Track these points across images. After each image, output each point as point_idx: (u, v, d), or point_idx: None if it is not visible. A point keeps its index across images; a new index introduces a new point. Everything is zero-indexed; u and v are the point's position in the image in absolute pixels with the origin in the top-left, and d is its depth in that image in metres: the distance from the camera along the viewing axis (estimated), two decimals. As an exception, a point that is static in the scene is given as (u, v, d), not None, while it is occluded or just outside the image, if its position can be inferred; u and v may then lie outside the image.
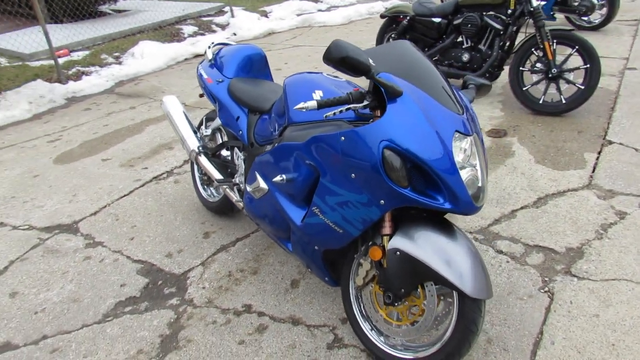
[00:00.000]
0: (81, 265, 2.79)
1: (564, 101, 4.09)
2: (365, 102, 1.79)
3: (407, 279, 1.83)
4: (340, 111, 1.79)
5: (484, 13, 4.39)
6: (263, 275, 2.60)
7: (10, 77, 5.94)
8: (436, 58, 4.76)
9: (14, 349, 2.26)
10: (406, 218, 1.87)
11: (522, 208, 2.98)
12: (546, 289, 2.35)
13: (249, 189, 2.32)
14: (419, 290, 1.88)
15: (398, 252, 1.80)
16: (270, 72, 2.94)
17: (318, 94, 2.13)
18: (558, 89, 4.12)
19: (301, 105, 1.76)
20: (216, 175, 2.71)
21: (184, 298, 2.49)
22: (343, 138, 1.80)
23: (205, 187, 3.16)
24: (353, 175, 1.79)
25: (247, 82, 2.70)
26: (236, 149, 2.71)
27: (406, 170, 1.69)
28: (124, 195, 3.49)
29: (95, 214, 3.29)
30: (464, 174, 1.69)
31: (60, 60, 6.57)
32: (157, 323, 2.34)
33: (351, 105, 1.80)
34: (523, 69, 4.21)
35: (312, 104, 1.77)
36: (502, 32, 4.32)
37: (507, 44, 4.39)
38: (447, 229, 1.83)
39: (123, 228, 3.11)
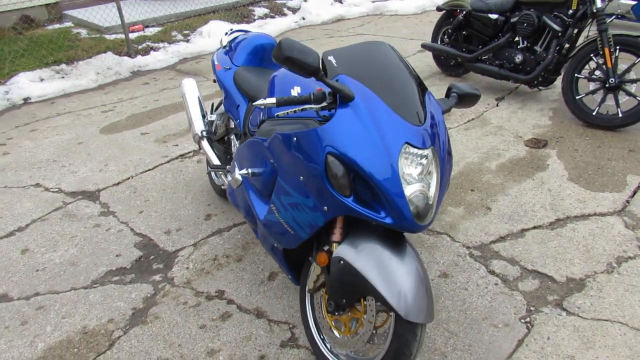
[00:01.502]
0: (89, 231, 2.98)
1: (620, 115, 3.70)
2: (324, 104, 1.73)
3: (348, 290, 1.76)
4: (294, 111, 1.75)
5: (544, 12, 4.05)
6: (245, 264, 2.63)
7: (86, 48, 6.39)
8: (486, 57, 4.47)
9: (7, 300, 2.47)
10: (357, 227, 1.80)
11: (534, 228, 2.76)
12: (528, 319, 2.17)
13: (228, 177, 2.34)
14: (361, 303, 1.81)
15: (341, 262, 1.74)
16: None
17: (296, 90, 2.09)
18: (616, 100, 3.73)
19: (260, 102, 1.74)
20: (213, 160, 2.76)
21: (167, 276, 2.58)
22: (295, 139, 1.76)
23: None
24: (301, 177, 1.75)
25: (253, 71, 2.70)
26: (234, 137, 2.74)
27: (349, 179, 1.62)
28: (148, 170, 3.66)
29: (117, 185, 3.48)
30: (410, 189, 1.59)
31: (134, 35, 6.97)
32: (135, 296, 2.45)
33: (308, 106, 1.75)
34: (579, 75, 3.85)
35: (271, 101, 1.74)
36: (560, 34, 3.97)
37: (566, 47, 4.03)
38: (397, 245, 1.74)
39: (137, 201, 3.27)
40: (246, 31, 3.09)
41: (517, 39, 4.31)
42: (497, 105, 4.38)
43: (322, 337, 1.99)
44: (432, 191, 1.65)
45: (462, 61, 4.68)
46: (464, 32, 4.74)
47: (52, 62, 5.99)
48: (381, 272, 1.66)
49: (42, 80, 5.68)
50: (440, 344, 2.08)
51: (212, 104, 3.10)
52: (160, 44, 6.84)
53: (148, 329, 2.25)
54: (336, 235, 1.80)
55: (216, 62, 2.88)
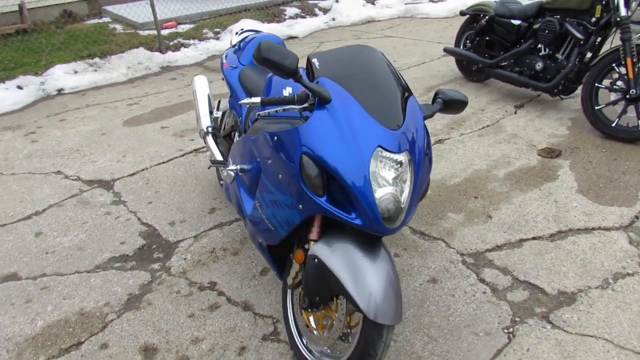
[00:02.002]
0: (99, 219, 3.12)
1: (640, 127, 3.59)
2: (305, 105, 1.78)
3: (321, 287, 1.80)
4: (276, 111, 1.80)
5: (567, 19, 3.96)
6: (240, 257, 2.70)
7: (119, 43, 6.64)
8: (505, 64, 4.41)
9: (16, 279, 2.62)
10: (334, 227, 1.84)
11: (533, 238, 2.72)
12: (511, 329, 2.15)
13: (224, 172, 2.42)
14: (334, 301, 1.85)
15: (316, 259, 1.78)
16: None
17: (287, 91, 2.15)
18: (637, 112, 3.62)
19: (245, 100, 1.81)
20: (216, 155, 2.84)
21: (165, 265, 2.68)
22: (276, 138, 1.81)
23: (222, 165, 3.32)
24: (280, 176, 1.80)
25: (258, 70, 2.77)
26: (237, 134, 2.81)
27: (322, 180, 1.66)
28: (163, 162, 3.79)
29: (132, 175, 3.62)
30: (381, 192, 1.62)
31: (166, 32, 7.19)
32: (132, 282, 2.56)
33: (290, 106, 1.80)
34: (599, 85, 3.75)
35: (256, 100, 1.80)
36: (582, 42, 3.87)
37: (588, 55, 3.93)
38: (371, 246, 1.76)
39: (148, 192, 3.40)
40: (257, 31, 3.16)
41: (539, 46, 4.23)
42: (515, 112, 4.31)
43: (299, 332, 2.03)
44: (405, 195, 1.67)
45: (483, 67, 4.62)
46: (486, 38, 4.68)
47: (87, 55, 6.25)
48: (352, 273, 1.69)
49: (76, 72, 5.93)
50: (418, 347, 2.09)
51: (219, 101, 3.18)
52: (191, 41, 7.02)
53: (140, 314, 2.35)
54: (313, 234, 1.84)
55: (224, 61, 2.97)
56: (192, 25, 7.59)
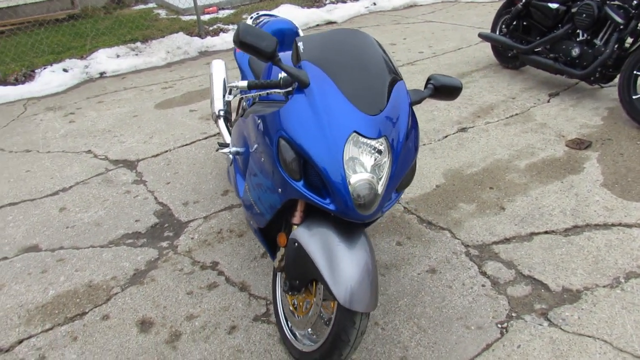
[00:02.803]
0: (119, 197, 3.25)
1: (681, 119, 3.34)
2: (289, 89, 1.78)
3: (300, 272, 1.81)
4: (260, 95, 1.81)
5: (607, 2, 3.72)
6: (245, 239, 2.74)
7: (161, 28, 6.82)
8: (540, 50, 4.20)
9: (36, 251, 2.79)
10: (317, 212, 1.84)
11: (545, 232, 2.61)
12: (505, 325, 2.09)
13: (225, 155, 2.46)
14: (313, 285, 1.85)
15: (296, 244, 1.79)
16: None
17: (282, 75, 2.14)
18: (679, 103, 3.37)
19: (233, 84, 1.83)
20: (226, 138, 2.89)
21: (173, 243, 2.77)
22: (260, 121, 1.82)
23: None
24: (262, 159, 1.82)
25: (267, 54, 2.77)
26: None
27: (299, 164, 1.66)
28: (186, 144, 3.89)
29: (155, 156, 3.75)
30: (356, 178, 1.60)
31: (207, 17, 7.31)
32: (140, 259, 2.66)
33: (275, 90, 1.80)
34: (638, 73, 3.51)
35: (243, 84, 1.82)
36: (622, 27, 3.63)
37: (629, 41, 3.69)
38: (351, 233, 1.75)
39: (167, 172, 3.51)
40: (273, 15, 3.16)
41: (576, 31, 4.00)
42: (549, 101, 4.11)
43: (285, 315, 2.06)
44: (382, 182, 1.64)
45: (517, 53, 4.43)
46: (523, 23, 4.47)
47: (129, 40, 6.46)
48: (328, 258, 1.69)
49: (118, 56, 6.15)
50: (405, 337, 2.07)
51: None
52: (230, 26, 7.11)
53: (143, 289, 2.44)
54: (296, 218, 1.85)
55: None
56: (232, 11, 7.69)
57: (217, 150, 3.07)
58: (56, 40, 6.49)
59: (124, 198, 3.23)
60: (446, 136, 3.67)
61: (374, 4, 8.00)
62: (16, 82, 5.60)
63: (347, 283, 1.63)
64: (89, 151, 3.92)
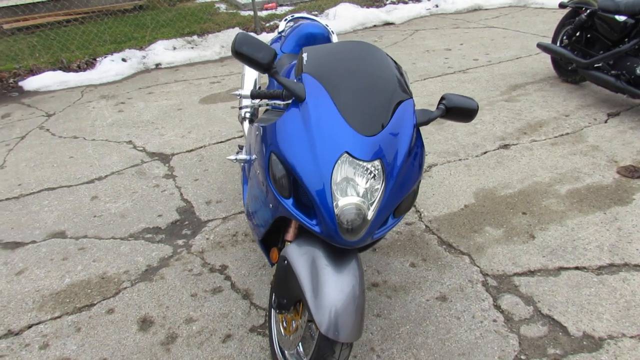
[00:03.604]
0: (148, 190, 3.32)
1: None
2: (289, 101, 1.72)
3: (288, 290, 1.75)
4: (260, 105, 1.76)
5: (682, 16, 3.37)
6: (257, 245, 2.71)
7: (219, 22, 6.94)
8: (601, 65, 3.87)
9: (62, 237, 2.90)
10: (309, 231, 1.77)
11: (575, 268, 2.40)
12: (510, 367, 1.93)
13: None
14: (301, 305, 1.79)
15: (285, 261, 1.73)
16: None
17: None
18: None
19: (237, 92, 1.80)
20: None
21: (188, 242, 2.79)
22: (259, 131, 1.78)
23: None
24: (258, 171, 1.77)
25: (294, 59, 2.73)
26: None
27: (288, 181, 1.60)
28: (220, 142, 3.92)
29: (189, 152, 3.80)
30: (344, 202, 1.52)
31: (265, 13, 7.37)
32: (154, 255, 2.70)
33: (276, 101, 1.75)
34: None
35: (246, 93, 1.78)
36: (696, 45, 3.27)
37: (703, 61, 3.32)
38: (341, 256, 1.67)
39: (197, 169, 3.55)
40: (308, 18, 3.10)
41: (645, 46, 3.66)
42: (606, 121, 3.79)
43: (275, 332, 2.00)
44: (374, 208, 1.54)
45: (577, 66, 4.12)
46: (587, 35, 4.15)
47: (187, 33, 6.63)
48: (313, 281, 1.62)
49: (174, 48, 6.33)
50: (400, 368, 1.96)
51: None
52: (286, 23, 7.11)
53: (150, 286, 2.47)
54: (289, 234, 1.79)
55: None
56: (291, 7, 7.69)
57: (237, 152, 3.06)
58: (119, 30, 6.77)
59: (152, 191, 3.30)
60: (485, 152, 3.47)
61: (436, 6, 7.75)
62: (78, 69, 5.89)
63: (330, 309, 1.55)
64: (130, 142, 4.04)
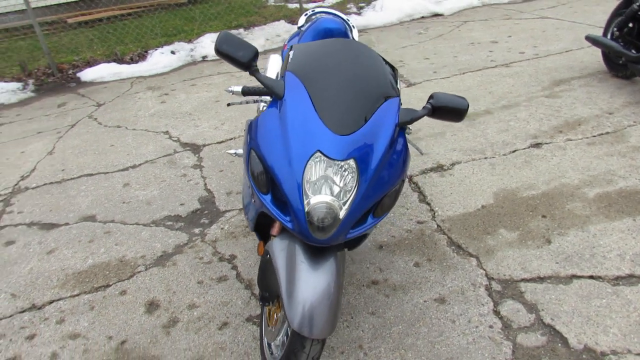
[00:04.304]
0: (176, 179, 3.47)
1: None
2: (275, 98, 1.75)
3: (269, 284, 1.79)
4: (247, 102, 1.80)
5: None
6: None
7: (266, 15, 7.05)
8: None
9: (92, 221, 3.10)
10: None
11: (590, 277, 2.28)
12: (498, 376, 1.88)
13: None
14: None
15: (268, 255, 1.78)
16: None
17: None
18: None
19: (230, 88, 1.85)
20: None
21: (204, 231, 2.89)
22: (245, 128, 1.82)
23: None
24: (245, 166, 1.82)
25: (310, 54, 2.74)
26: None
27: (267, 177, 1.64)
28: (250, 134, 4.01)
29: (219, 143, 3.92)
30: (315, 200, 1.53)
31: (312, 5, 7.39)
32: (171, 242, 2.83)
33: (263, 97, 1.78)
34: None
35: (238, 89, 1.83)
36: None
37: None
38: (320, 253, 1.68)
39: (224, 160, 3.65)
40: (330, 12, 3.09)
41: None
42: (654, 120, 3.53)
43: (263, 323, 2.05)
44: (347, 207, 1.55)
45: (626, 60, 3.85)
46: (635, 26, 3.86)
47: (235, 26, 6.79)
48: (289, 277, 1.65)
49: (221, 41, 6.49)
50: (385, 367, 1.95)
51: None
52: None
53: (162, 271, 2.60)
54: (274, 229, 1.83)
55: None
56: (339, 0, 7.67)
57: None
58: (171, 24, 7.03)
59: (179, 181, 3.44)
60: (514, 151, 3.33)
61: (490, -5, 7.45)
62: (131, 61, 6.19)
63: (302, 305, 1.58)
64: (167, 132, 4.21)
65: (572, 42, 5.23)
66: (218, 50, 1.64)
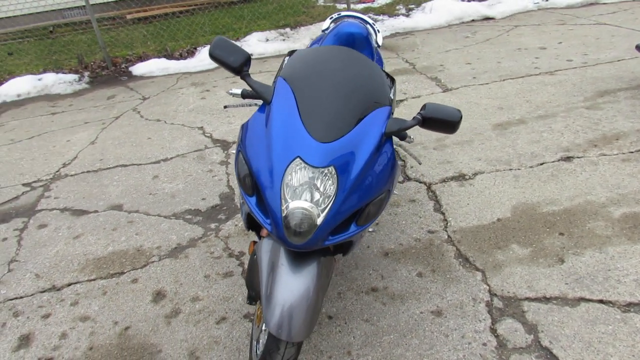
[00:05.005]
0: (202, 174, 3.59)
1: None
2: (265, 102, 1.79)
3: (255, 284, 1.84)
4: (243, 105, 1.85)
5: None
6: (278, 236, 2.82)
7: (314, 15, 7.11)
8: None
9: (119, 210, 3.26)
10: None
11: (599, 302, 2.17)
12: (482, 395, 1.83)
13: None
14: (266, 300, 1.85)
15: (255, 256, 1.82)
16: (372, 54, 2.85)
17: None
18: None
19: (231, 90, 1.92)
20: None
21: (219, 227, 2.98)
22: (240, 129, 1.87)
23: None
24: (234, 168, 1.87)
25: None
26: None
27: (252, 180, 1.68)
28: (279, 133, 4.07)
29: (248, 141, 4.01)
30: (293, 205, 1.56)
31: (361, 6, 7.38)
32: (187, 235, 2.94)
33: (258, 101, 1.83)
34: None
35: (238, 91, 1.89)
36: None
37: None
38: (303, 258, 1.70)
39: (250, 158, 3.73)
40: (357, 17, 3.09)
41: None
42: (702, 138, 3.29)
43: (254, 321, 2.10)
44: (325, 213, 1.56)
45: (677, 73, 3.60)
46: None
47: (282, 25, 6.89)
48: (269, 278, 1.69)
49: (267, 40, 6.62)
50: (369, 376, 1.95)
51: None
52: (380, 17, 7.08)
53: (174, 263, 2.70)
54: (264, 230, 1.87)
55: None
56: (388, 1, 7.61)
57: None
58: (221, 22, 7.23)
59: (204, 176, 3.56)
60: (542, 163, 3.21)
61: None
62: (180, 57, 6.43)
63: (278, 308, 1.61)
64: (201, 128, 4.36)
65: (625, 50, 4.94)
66: (211, 55, 1.70)
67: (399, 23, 6.81)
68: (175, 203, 3.26)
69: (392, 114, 1.80)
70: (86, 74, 6.13)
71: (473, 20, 6.82)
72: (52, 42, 7.11)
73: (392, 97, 1.79)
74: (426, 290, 2.32)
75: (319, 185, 1.55)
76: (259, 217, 1.65)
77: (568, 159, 3.23)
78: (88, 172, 3.79)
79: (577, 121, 3.67)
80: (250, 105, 2.03)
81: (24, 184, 3.72)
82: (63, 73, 6.12)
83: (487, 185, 3.05)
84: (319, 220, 1.56)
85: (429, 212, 2.87)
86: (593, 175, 3.02)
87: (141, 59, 6.42)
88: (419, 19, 6.83)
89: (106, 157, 4.00)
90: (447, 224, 2.76)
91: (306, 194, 1.55)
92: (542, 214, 2.75)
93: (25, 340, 2.29)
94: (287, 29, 6.81)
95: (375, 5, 7.48)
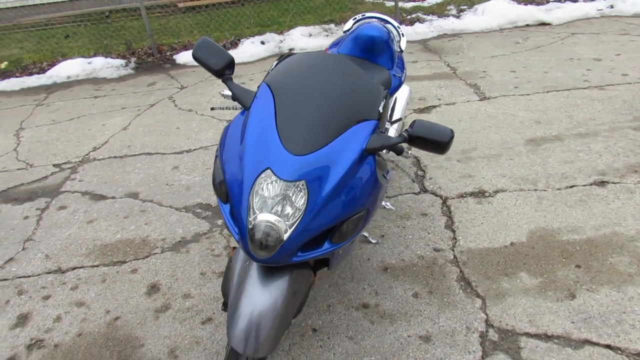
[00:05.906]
0: (219, 168, 3.59)
1: None
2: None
3: (228, 291, 1.80)
4: (229, 108, 1.80)
5: None
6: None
7: (360, 12, 6.97)
8: None
9: (135, 198, 3.32)
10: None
11: (606, 346, 1.99)
12: None
13: None
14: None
15: (230, 262, 1.79)
16: (393, 59, 2.74)
17: None
18: None
19: (223, 92, 1.89)
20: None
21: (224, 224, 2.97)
22: (224, 131, 1.83)
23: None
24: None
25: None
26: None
27: (226, 186, 1.63)
28: (304, 132, 4.02)
29: (272, 138, 3.98)
30: (260, 217, 1.50)
31: (410, 5, 7.19)
32: (192, 229, 2.94)
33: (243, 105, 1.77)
34: None
35: (229, 93, 1.86)
36: None
37: None
38: (274, 271, 1.64)
39: (270, 156, 3.70)
40: (381, 18, 2.98)
41: None
42: None
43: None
44: (292, 228, 1.50)
45: None
46: None
47: (327, 20, 6.81)
48: (237, 288, 1.65)
49: (310, 35, 6.57)
50: (341, 398, 1.87)
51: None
52: (429, 17, 6.86)
53: (175, 257, 2.71)
54: (242, 238, 1.82)
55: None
56: (439, 1, 7.36)
57: None
58: (268, 14, 7.24)
59: (221, 170, 3.55)
60: (572, 186, 2.98)
61: (611, 6, 6.71)
62: (223, 47, 6.47)
63: (242, 321, 1.56)
64: (229, 120, 4.36)
65: (689, 67, 4.53)
66: (194, 56, 1.66)
67: (448, 24, 6.57)
68: (189, 195, 3.27)
69: (380, 128, 1.70)
70: (133, 59, 6.31)
71: (527, 25, 6.49)
72: (106, 27, 7.36)
73: (381, 111, 1.68)
74: (419, 313, 2.21)
75: (291, 198, 1.48)
76: (229, 226, 1.60)
77: (602, 183, 2.99)
78: (115, 157, 3.89)
79: (620, 142, 3.39)
80: (235, 109, 1.99)
81: (54, 165, 3.86)
82: (112, 58, 6.32)
83: (506, 205, 2.87)
84: (286, 236, 1.49)
85: (439, 229, 2.73)
86: (626, 204, 2.78)
87: (186, 47, 6.53)
88: (470, 20, 6.56)
89: (134, 143, 4.09)
90: (455, 242, 2.62)
91: (277, 207, 1.48)
92: (561, 242, 2.55)
93: (23, 319, 2.36)
94: (332, 25, 6.72)
95: (425, 4, 7.26)
